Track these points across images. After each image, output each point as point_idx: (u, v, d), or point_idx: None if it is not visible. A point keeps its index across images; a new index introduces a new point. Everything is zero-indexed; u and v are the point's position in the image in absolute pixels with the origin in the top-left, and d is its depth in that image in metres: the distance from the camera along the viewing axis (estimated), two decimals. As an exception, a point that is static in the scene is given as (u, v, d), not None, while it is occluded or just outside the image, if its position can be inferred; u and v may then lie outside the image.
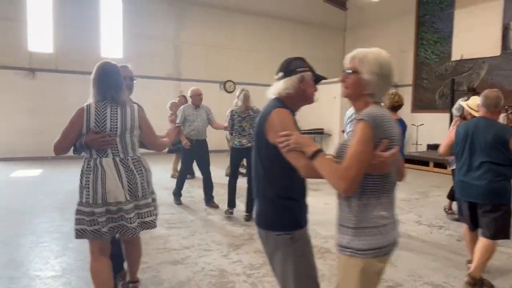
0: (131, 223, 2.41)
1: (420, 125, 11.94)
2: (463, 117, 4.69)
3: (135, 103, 2.63)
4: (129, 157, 2.45)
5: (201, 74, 13.06)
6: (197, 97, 5.79)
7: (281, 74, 1.92)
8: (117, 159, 2.41)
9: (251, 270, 3.39)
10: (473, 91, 9.55)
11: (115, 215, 2.39)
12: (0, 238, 4.13)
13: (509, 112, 8.61)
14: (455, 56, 11.75)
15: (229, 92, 13.47)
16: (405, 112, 13.05)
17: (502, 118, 6.56)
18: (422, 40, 12.77)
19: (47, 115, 10.48)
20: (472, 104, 5.07)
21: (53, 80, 10.77)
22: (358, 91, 1.64)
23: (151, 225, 2.55)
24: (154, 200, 2.63)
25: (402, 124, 3.93)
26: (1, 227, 4.51)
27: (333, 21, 15.69)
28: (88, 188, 2.36)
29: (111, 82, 2.42)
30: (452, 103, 8.53)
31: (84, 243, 3.98)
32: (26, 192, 6.49)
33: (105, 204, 2.36)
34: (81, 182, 2.40)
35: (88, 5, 11.27)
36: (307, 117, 14.08)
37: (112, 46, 11.82)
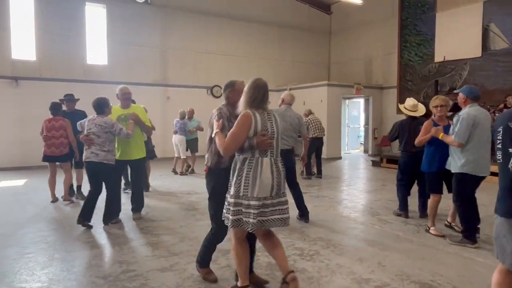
0: (270, 215, 2.70)
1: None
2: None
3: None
4: (278, 158, 2.81)
5: (188, 79, 13.05)
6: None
7: None
8: (272, 159, 2.75)
9: (241, 275, 3.38)
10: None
11: (262, 209, 2.67)
12: (-16, 250, 4.04)
13: (491, 111, 8.83)
14: (438, 57, 11.99)
15: (217, 97, 13.48)
16: (391, 114, 13.26)
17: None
18: (405, 43, 12.99)
19: (32, 125, 10.29)
20: (408, 105, 5.40)
21: (37, 89, 10.63)
22: None
23: (287, 222, 2.78)
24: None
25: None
26: (-15, 239, 4.42)
27: (318, 25, 15.87)
28: (248, 183, 2.66)
29: (260, 95, 2.77)
30: (436, 104, 8.68)
31: (72, 252, 3.95)
32: (11, 203, 6.37)
33: (258, 199, 2.66)
34: (238, 178, 2.70)
35: (72, 12, 11.19)
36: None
37: (97, 53, 11.73)
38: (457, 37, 11.37)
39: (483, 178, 4.14)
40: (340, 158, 13.21)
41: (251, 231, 2.71)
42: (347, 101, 15.21)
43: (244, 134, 2.65)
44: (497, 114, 9.13)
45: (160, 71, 12.72)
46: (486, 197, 6.38)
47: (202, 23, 13.27)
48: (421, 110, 5.29)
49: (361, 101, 15.27)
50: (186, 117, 9.51)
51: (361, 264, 3.67)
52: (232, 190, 2.72)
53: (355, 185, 8.36)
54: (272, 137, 2.73)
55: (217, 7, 13.50)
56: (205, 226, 4.96)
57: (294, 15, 15.19)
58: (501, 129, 2.25)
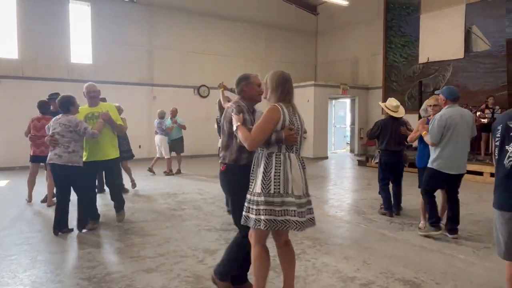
0: (301, 217, 2.53)
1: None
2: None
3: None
4: (301, 156, 2.69)
5: (174, 79, 12.96)
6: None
7: None
8: (297, 155, 2.63)
9: (227, 275, 3.38)
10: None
11: (299, 209, 2.53)
12: (-36, 253, 3.95)
13: (473, 111, 9.01)
14: (422, 59, 12.19)
15: (203, 97, 13.42)
16: (376, 114, 13.42)
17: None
18: (390, 44, 13.16)
19: (14, 124, 10.10)
20: (389, 105, 5.59)
21: (20, 88, 10.41)
22: None
23: (314, 222, 2.67)
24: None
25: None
26: (-35, 241, 4.31)
27: (305, 26, 15.95)
28: (279, 179, 2.50)
29: (290, 88, 2.68)
30: (420, 104, 8.85)
31: (55, 254, 3.88)
32: (-8, 204, 6.23)
33: (293, 196, 2.51)
34: (266, 174, 2.52)
35: (55, 9, 10.98)
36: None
37: (81, 51, 11.55)
38: (440, 38, 11.58)
39: (455, 176, 4.28)
40: (326, 158, 13.31)
41: (297, 231, 2.53)
42: (333, 101, 15.33)
43: (272, 127, 2.52)
44: (478, 113, 9.34)
45: (146, 71, 12.60)
46: (468, 196, 6.52)
47: (189, 22, 13.19)
48: (401, 112, 5.51)
49: (347, 101, 15.41)
50: (169, 117, 9.41)
51: (346, 262, 3.71)
52: (258, 188, 2.52)
53: (341, 184, 8.43)
54: (297, 132, 2.61)
55: (204, 6, 13.44)
56: (191, 226, 4.95)
57: (281, 16, 15.24)
58: (500, 127, 2.39)
